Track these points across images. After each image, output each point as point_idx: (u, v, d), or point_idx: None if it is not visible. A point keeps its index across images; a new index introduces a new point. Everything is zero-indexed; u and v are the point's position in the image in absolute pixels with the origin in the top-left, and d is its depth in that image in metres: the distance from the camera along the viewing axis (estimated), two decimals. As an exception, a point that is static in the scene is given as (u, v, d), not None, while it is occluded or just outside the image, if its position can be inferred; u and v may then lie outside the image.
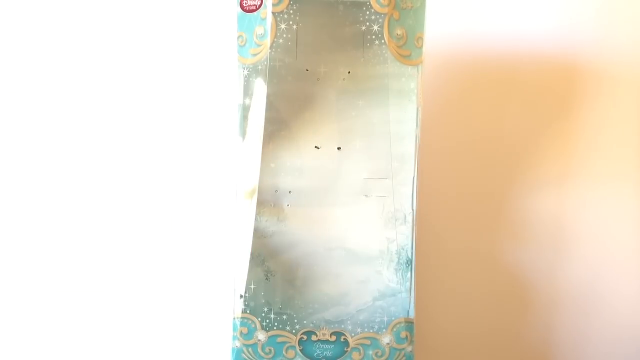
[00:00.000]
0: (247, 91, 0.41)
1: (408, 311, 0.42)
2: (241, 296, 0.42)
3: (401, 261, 0.42)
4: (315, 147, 0.42)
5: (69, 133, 0.57)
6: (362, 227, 0.42)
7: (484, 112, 0.56)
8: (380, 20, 0.40)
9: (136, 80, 0.57)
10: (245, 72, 0.41)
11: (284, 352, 0.43)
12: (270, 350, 0.43)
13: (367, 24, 0.41)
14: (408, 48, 0.41)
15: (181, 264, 0.58)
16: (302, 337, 0.43)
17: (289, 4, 0.40)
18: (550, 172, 0.56)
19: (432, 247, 0.57)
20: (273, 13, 0.40)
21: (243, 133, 0.42)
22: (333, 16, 0.40)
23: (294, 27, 0.41)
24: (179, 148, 0.57)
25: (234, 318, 0.43)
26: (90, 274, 0.59)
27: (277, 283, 0.42)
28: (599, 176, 0.56)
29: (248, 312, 0.42)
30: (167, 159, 0.57)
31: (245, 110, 0.42)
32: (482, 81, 0.56)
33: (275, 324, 0.42)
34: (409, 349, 0.43)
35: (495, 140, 0.56)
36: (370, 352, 0.43)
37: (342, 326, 0.42)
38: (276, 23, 0.40)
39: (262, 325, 0.42)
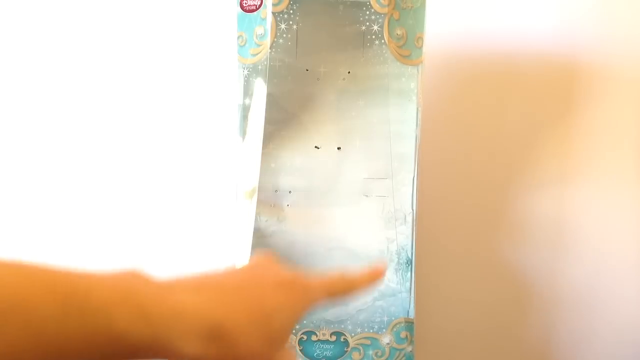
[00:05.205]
0: (247, 91, 0.41)
1: (408, 311, 0.42)
2: (241, 296, 0.42)
3: (401, 261, 0.42)
4: (315, 147, 0.42)
5: (69, 133, 0.57)
6: (362, 227, 0.42)
7: (484, 112, 0.56)
8: (380, 20, 0.40)
9: (136, 81, 0.57)
10: (245, 72, 0.41)
11: (284, 352, 0.43)
12: (270, 350, 0.43)
13: (367, 24, 0.41)
14: (408, 48, 0.41)
15: (181, 264, 0.58)
16: (302, 337, 0.43)
17: (289, 4, 0.40)
18: (550, 172, 0.56)
19: (432, 247, 0.57)
20: (273, 13, 0.40)
21: (243, 133, 0.42)
22: (333, 16, 0.40)
23: (294, 27, 0.41)
24: (179, 148, 0.57)
25: (234, 318, 0.43)
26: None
27: (277, 283, 0.42)
28: (599, 176, 0.56)
29: (248, 312, 0.42)
30: (167, 159, 0.57)
31: (245, 110, 0.42)
32: (482, 81, 0.56)
33: (275, 324, 0.42)
34: (409, 349, 0.43)
35: (495, 140, 0.56)
36: (370, 352, 0.43)
37: (342, 326, 0.42)
38: (276, 23, 0.40)
39: (262, 325, 0.42)
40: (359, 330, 0.42)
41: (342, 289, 0.28)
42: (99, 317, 0.19)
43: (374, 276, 0.29)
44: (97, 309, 0.19)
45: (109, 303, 0.19)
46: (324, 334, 0.42)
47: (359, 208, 0.42)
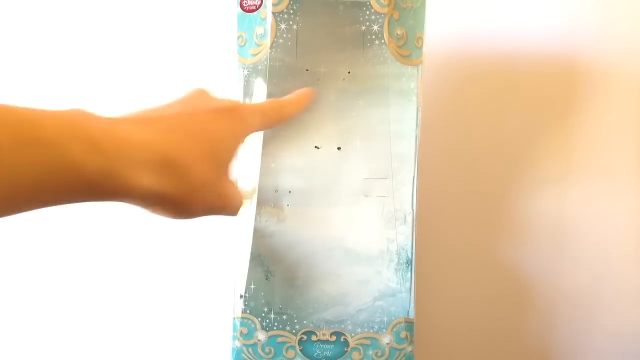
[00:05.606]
0: (247, 91, 0.41)
1: (408, 311, 0.42)
2: (241, 296, 0.42)
3: (401, 261, 0.42)
4: (315, 147, 0.42)
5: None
6: (362, 227, 0.42)
7: (484, 111, 0.56)
8: (380, 20, 0.40)
9: (136, 81, 0.57)
10: (245, 72, 0.41)
11: (284, 352, 0.43)
12: (270, 350, 0.43)
13: (367, 24, 0.41)
14: (408, 48, 0.41)
15: (182, 264, 0.58)
16: (302, 337, 0.43)
17: (289, 4, 0.40)
18: (551, 171, 0.56)
19: (432, 247, 0.57)
20: (273, 13, 0.40)
21: (243, 133, 0.42)
22: (333, 16, 0.40)
23: (294, 27, 0.41)
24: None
25: (234, 318, 0.43)
26: (91, 274, 0.59)
27: (277, 283, 0.42)
28: (599, 175, 0.56)
29: (248, 312, 0.42)
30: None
31: (245, 110, 0.42)
32: (482, 81, 0.56)
33: (275, 324, 0.42)
34: (409, 349, 0.43)
35: (495, 140, 0.56)
36: (370, 352, 0.43)
37: (342, 326, 0.42)
38: (276, 23, 0.40)
39: (262, 326, 0.42)
40: (359, 330, 0.42)
41: (276, 113, 0.30)
42: (50, 148, 0.19)
43: (303, 99, 0.32)
44: (48, 140, 0.19)
45: (59, 133, 0.19)
46: (324, 334, 0.42)
47: (359, 208, 0.42)
